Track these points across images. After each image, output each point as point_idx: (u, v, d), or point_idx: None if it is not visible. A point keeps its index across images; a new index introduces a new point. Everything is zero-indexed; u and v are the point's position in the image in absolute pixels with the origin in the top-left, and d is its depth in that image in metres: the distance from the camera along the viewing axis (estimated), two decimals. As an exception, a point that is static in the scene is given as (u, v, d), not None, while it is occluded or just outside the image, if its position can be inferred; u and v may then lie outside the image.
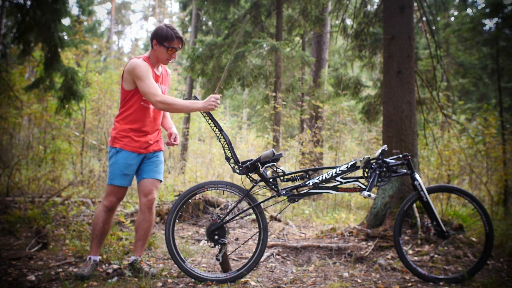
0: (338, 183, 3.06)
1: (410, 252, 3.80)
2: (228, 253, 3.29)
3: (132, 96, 3.10)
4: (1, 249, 3.75)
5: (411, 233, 4.03)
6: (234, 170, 3.10)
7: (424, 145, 6.88)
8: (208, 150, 9.84)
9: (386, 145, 3.18)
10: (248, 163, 3.04)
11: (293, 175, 3.12)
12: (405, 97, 4.30)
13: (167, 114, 3.47)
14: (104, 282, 2.92)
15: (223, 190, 3.12)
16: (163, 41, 3.07)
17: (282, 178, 3.11)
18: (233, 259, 3.76)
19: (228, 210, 3.21)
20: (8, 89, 7.21)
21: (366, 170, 3.03)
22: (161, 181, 3.26)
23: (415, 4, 5.42)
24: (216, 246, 3.03)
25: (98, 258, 3.16)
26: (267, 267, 3.51)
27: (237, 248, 3.77)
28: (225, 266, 3.08)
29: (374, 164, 3.03)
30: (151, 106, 3.14)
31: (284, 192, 3.08)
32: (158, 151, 3.27)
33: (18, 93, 7.92)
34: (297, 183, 3.12)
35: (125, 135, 3.11)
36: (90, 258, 3.12)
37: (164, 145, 3.36)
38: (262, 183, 3.14)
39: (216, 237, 3.01)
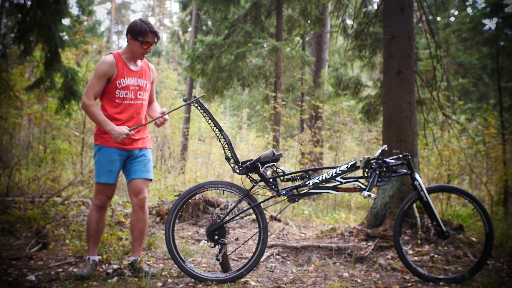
0: (338, 183, 3.05)
1: (410, 252, 3.80)
2: (228, 253, 3.29)
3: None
4: (1, 249, 3.75)
5: (411, 233, 4.03)
6: (234, 170, 3.10)
7: (424, 145, 6.88)
8: (208, 150, 9.84)
9: (386, 145, 3.17)
10: (248, 163, 3.04)
11: (293, 175, 3.12)
12: (405, 97, 4.30)
13: (156, 107, 3.40)
14: (104, 282, 2.92)
15: (223, 190, 3.12)
16: (137, 35, 3.05)
17: (282, 178, 3.11)
18: (233, 259, 3.76)
19: (228, 210, 3.21)
20: (8, 89, 7.21)
21: (366, 170, 3.03)
22: (151, 179, 3.22)
23: (415, 4, 5.42)
24: (216, 246, 3.03)
25: (97, 258, 3.17)
26: (267, 267, 3.51)
27: (237, 248, 3.77)
28: (225, 266, 3.08)
29: (374, 164, 3.03)
30: (132, 102, 3.12)
31: (284, 192, 3.08)
32: (144, 149, 3.22)
33: (18, 93, 7.92)
34: (297, 183, 3.12)
35: (105, 131, 3.06)
36: (89, 258, 3.12)
37: (151, 143, 3.32)
38: (262, 183, 3.14)
39: (216, 237, 3.01)
